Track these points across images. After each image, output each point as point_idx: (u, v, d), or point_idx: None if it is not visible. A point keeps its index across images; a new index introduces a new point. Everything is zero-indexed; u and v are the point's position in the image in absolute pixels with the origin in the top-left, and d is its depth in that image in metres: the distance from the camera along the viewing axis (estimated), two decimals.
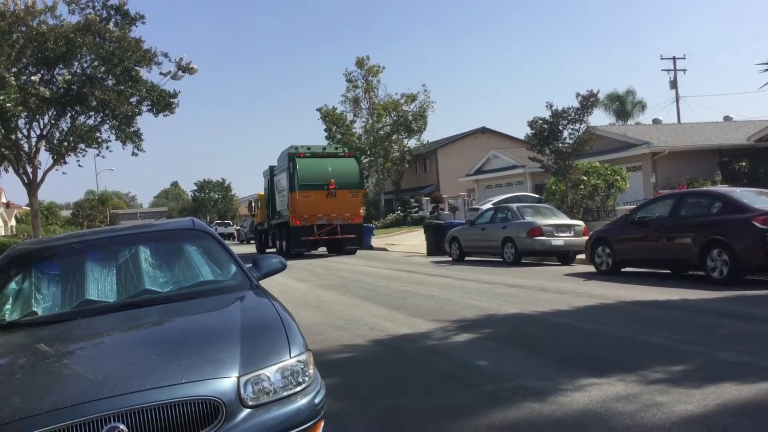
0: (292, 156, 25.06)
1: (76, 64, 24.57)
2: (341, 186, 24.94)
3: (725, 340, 6.50)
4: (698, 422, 4.17)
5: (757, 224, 10.27)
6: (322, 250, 26.84)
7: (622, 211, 20.31)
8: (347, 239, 25.36)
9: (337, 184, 24.83)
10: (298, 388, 3.32)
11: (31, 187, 25.57)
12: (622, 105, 51.20)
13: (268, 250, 30.34)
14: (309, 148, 25.68)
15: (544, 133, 22.31)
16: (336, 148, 27.56)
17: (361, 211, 26.19)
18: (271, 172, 29.21)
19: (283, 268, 5.14)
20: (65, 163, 26.51)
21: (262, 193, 32.79)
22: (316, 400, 3.37)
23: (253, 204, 36.07)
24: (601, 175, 23.95)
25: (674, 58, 46.93)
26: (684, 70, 48.69)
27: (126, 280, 4.58)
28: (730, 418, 4.21)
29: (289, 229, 25.23)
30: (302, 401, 3.29)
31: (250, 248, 35.75)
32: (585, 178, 23.15)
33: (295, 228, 24.85)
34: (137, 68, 24.76)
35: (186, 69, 25.13)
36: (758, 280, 10.93)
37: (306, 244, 25.20)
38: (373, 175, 51.74)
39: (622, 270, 13.16)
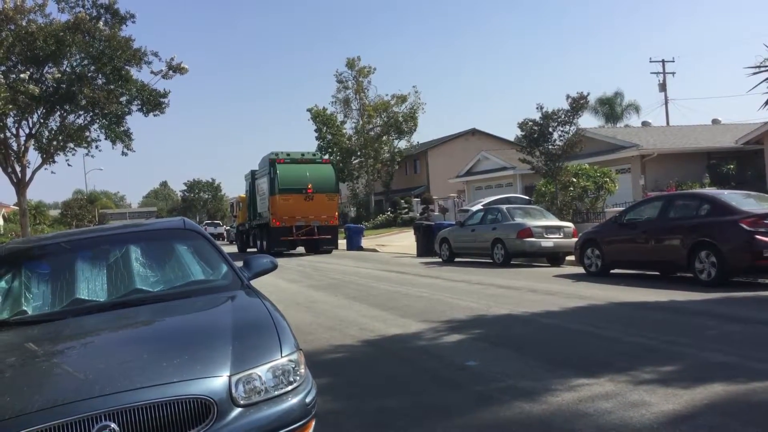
0: (272, 162, 26.52)
1: (66, 62, 24.39)
2: (318, 190, 26.42)
3: (713, 340, 6.56)
4: (686, 422, 4.21)
5: (745, 226, 10.35)
6: (300, 249, 28.07)
7: (611, 212, 20.36)
8: (323, 239, 26.96)
9: (315, 188, 26.36)
10: (290, 388, 3.32)
11: (20, 186, 25.34)
12: (612, 108, 51.39)
13: (249, 250, 31.57)
14: (288, 155, 27.02)
15: (534, 135, 22.36)
16: (314, 155, 29.02)
17: (336, 213, 27.70)
18: (253, 176, 30.51)
19: (274, 268, 5.14)
20: (54, 162, 26.32)
21: (243, 195, 34.09)
22: (308, 400, 3.37)
23: (234, 205, 37.76)
24: (590, 177, 24.03)
25: (663, 61, 47.20)
26: (673, 73, 49.10)
27: (116, 279, 4.55)
28: (718, 418, 4.25)
29: (270, 229, 26.68)
30: (293, 400, 3.29)
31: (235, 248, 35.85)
32: (574, 179, 23.21)
33: (275, 229, 26.30)
34: (127, 67, 24.65)
35: (177, 69, 25.03)
36: (745, 282, 11.02)
37: (285, 243, 26.62)
38: (363, 176, 51.70)
39: (611, 271, 13.23)
